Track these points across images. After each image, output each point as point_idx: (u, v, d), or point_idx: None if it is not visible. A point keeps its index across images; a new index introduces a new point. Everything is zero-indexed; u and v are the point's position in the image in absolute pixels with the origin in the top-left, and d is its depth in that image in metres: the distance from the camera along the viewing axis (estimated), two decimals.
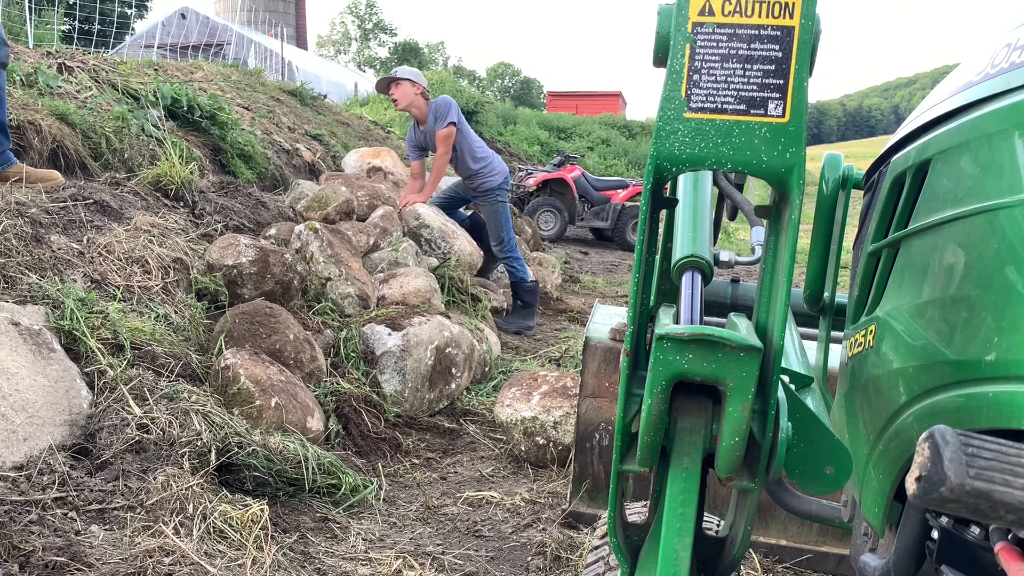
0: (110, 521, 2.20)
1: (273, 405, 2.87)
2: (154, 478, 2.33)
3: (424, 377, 3.74)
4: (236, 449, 2.58)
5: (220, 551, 2.23)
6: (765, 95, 1.07)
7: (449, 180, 6.21)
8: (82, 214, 3.45)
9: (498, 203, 5.66)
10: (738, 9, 1.07)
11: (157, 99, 5.08)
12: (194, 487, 2.34)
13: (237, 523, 2.34)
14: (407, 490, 3.08)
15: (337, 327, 3.85)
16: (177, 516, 2.24)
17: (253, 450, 2.61)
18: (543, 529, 2.77)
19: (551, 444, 3.29)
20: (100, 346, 2.70)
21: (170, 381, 2.79)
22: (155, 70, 6.55)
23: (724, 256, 1.75)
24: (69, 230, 3.29)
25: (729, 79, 1.08)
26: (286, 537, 2.48)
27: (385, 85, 5.58)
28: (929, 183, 1.13)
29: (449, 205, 5.96)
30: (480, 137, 5.92)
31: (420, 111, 5.56)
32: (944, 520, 0.98)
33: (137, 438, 2.44)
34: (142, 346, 2.87)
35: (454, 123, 5.47)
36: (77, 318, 2.70)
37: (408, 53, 52.80)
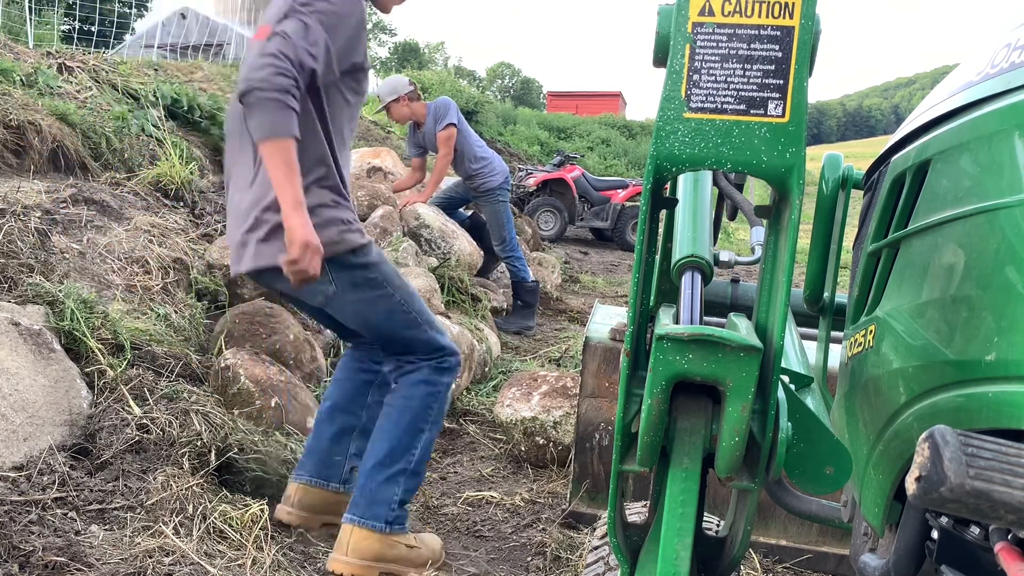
0: (110, 521, 2.20)
1: (273, 405, 2.87)
2: (154, 478, 2.33)
3: None
4: (236, 449, 2.58)
5: (220, 551, 2.23)
6: (765, 95, 1.07)
7: (449, 180, 6.22)
8: (82, 214, 3.45)
9: (499, 203, 5.66)
10: (738, 9, 1.07)
11: (157, 99, 5.08)
12: (194, 487, 2.34)
13: (237, 523, 2.34)
14: None
15: None
16: (177, 516, 2.24)
17: (253, 450, 2.61)
18: (543, 529, 2.77)
19: (551, 444, 3.29)
20: (100, 346, 2.70)
21: (170, 381, 2.79)
22: (155, 70, 6.55)
23: (724, 256, 1.75)
24: (70, 230, 3.29)
25: (729, 79, 1.08)
26: (286, 537, 2.48)
27: (387, 113, 5.63)
28: (929, 183, 1.13)
29: (449, 205, 5.96)
30: (480, 137, 5.92)
31: (418, 114, 5.58)
32: (944, 520, 0.98)
33: (137, 438, 2.44)
34: (142, 346, 2.87)
35: (454, 124, 5.47)
36: (77, 318, 2.70)
37: (408, 53, 52.81)
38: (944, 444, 0.72)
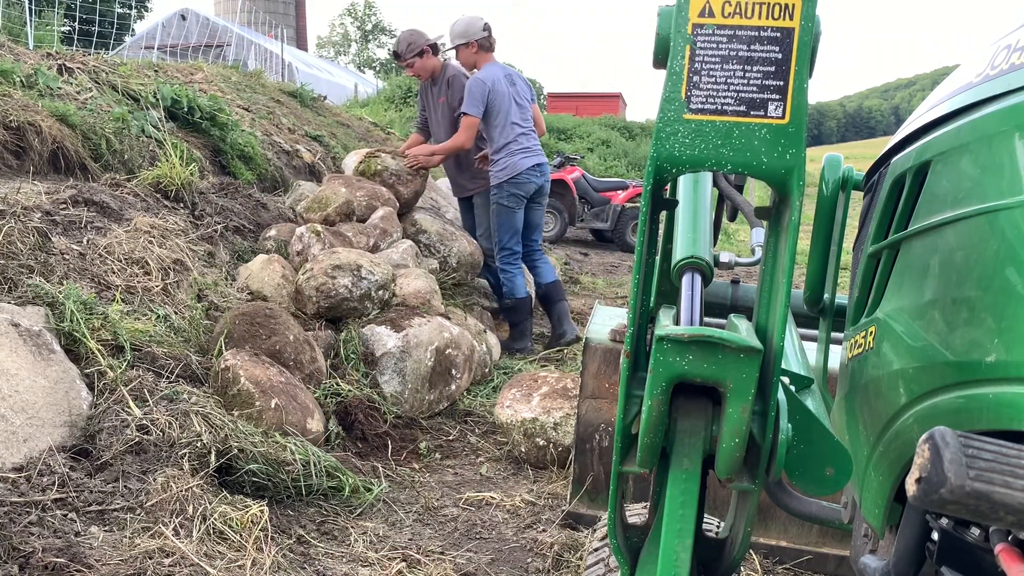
0: (110, 522, 2.20)
1: (273, 406, 2.87)
2: (154, 479, 2.33)
3: (424, 378, 3.74)
4: (236, 450, 2.58)
5: (220, 552, 2.23)
6: (765, 96, 1.08)
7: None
8: (82, 215, 3.45)
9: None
10: (738, 11, 1.07)
11: (157, 100, 5.07)
12: (194, 488, 2.34)
13: (237, 524, 2.34)
14: (407, 491, 3.08)
15: (337, 328, 3.85)
16: (177, 517, 2.24)
17: (253, 451, 2.61)
18: (543, 530, 2.77)
19: (551, 445, 3.28)
20: (100, 347, 2.70)
21: (170, 382, 2.79)
22: (155, 71, 6.55)
23: (724, 257, 1.75)
24: (70, 231, 3.29)
25: (729, 80, 1.08)
26: (286, 538, 2.48)
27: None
28: (929, 184, 1.13)
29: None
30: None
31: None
32: (944, 521, 0.98)
33: (137, 439, 2.44)
34: (142, 347, 2.87)
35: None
36: (77, 319, 2.70)
37: None
38: (944, 445, 0.72)
